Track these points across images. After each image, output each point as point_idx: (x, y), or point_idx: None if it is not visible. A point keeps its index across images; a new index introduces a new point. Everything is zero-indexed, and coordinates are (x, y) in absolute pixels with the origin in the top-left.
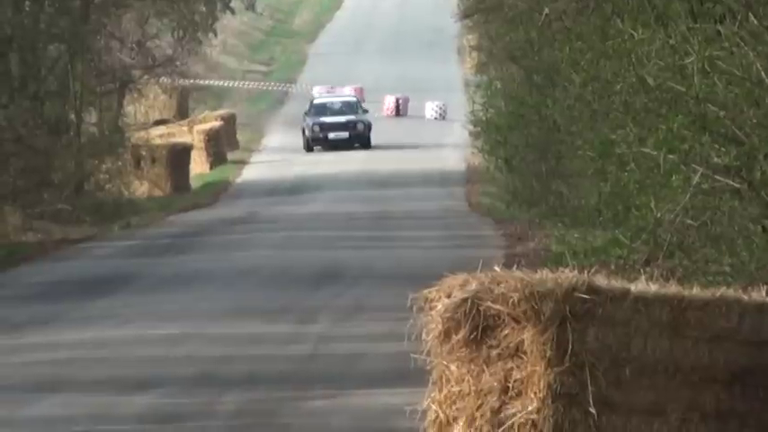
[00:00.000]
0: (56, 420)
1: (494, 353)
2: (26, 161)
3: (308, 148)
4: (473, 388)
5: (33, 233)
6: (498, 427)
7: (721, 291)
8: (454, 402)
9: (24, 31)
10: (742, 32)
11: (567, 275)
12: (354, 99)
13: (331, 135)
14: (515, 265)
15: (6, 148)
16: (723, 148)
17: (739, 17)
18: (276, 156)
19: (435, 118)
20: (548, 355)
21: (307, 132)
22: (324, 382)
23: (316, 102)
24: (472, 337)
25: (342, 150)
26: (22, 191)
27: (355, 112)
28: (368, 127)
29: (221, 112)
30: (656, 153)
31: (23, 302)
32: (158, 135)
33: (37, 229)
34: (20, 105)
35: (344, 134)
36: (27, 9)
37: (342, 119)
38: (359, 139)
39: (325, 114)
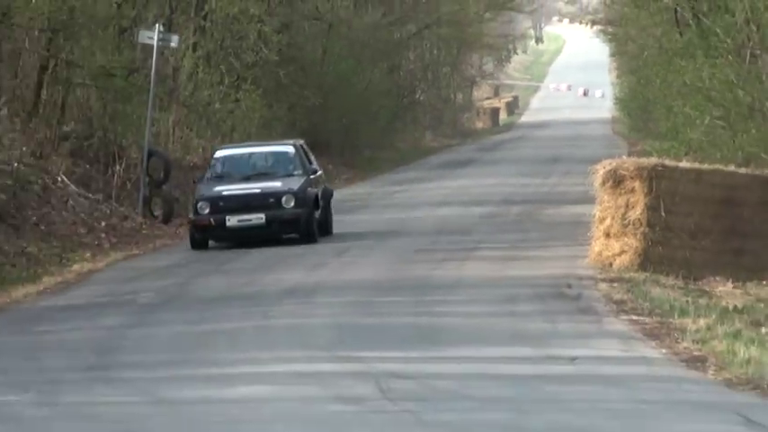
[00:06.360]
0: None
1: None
2: None
3: (194, 242)
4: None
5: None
6: (624, 220)
7: None
8: (605, 210)
9: None
10: None
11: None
12: (290, 150)
13: (232, 221)
14: None
15: None
16: None
17: None
18: (533, 115)
19: None
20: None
21: (191, 214)
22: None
23: (218, 154)
24: (609, 184)
25: (258, 246)
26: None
27: (287, 173)
28: (309, 202)
29: (511, 94)
30: None
31: (431, 171)
32: (488, 102)
33: (432, 140)
34: None
35: (258, 217)
36: None
37: (254, 188)
38: (286, 226)
39: (230, 179)
